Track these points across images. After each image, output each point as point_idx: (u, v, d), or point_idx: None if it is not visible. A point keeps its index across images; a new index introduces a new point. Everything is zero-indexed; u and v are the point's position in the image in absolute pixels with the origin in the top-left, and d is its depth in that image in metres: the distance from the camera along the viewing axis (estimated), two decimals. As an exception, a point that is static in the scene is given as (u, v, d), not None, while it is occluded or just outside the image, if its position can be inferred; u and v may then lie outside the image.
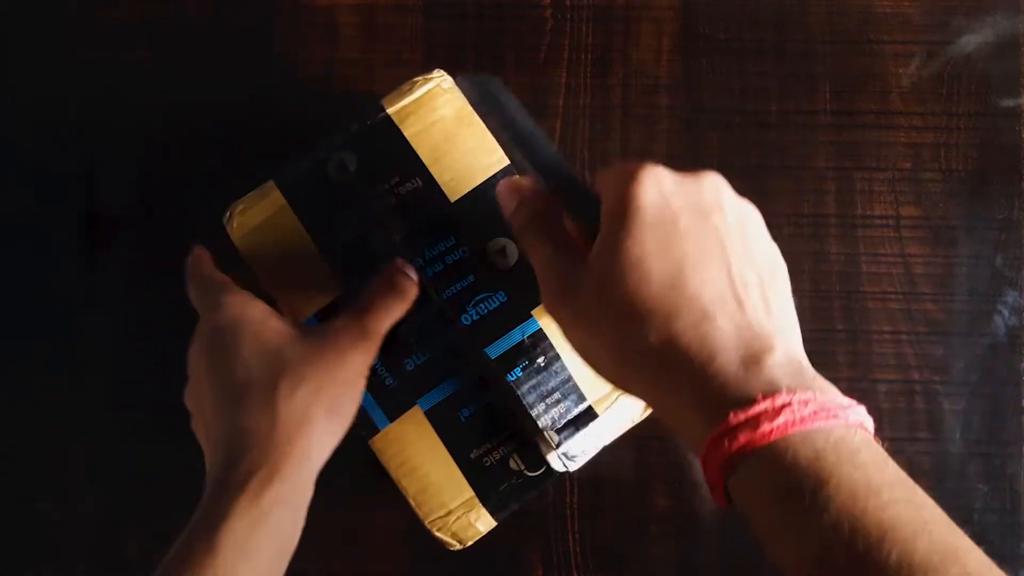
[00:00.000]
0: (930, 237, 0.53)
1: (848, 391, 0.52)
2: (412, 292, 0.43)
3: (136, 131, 0.54)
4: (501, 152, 0.45)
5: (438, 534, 0.45)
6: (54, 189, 0.54)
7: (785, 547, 0.30)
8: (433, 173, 0.44)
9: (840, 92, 0.54)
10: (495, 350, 0.43)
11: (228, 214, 0.45)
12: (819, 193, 0.53)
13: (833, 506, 0.28)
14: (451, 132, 0.45)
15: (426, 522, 0.45)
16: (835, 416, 0.31)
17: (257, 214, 0.45)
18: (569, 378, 0.44)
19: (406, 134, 0.44)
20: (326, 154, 0.45)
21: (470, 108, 0.45)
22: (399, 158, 0.44)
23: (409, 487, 0.44)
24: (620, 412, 0.44)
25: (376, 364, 0.43)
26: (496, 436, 0.44)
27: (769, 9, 0.54)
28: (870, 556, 0.28)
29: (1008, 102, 0.53)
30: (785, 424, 0.30)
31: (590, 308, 0.34)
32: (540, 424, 0.43)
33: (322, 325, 0.42)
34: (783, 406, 0.30)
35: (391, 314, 0.42)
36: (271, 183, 0.45)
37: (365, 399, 0.43)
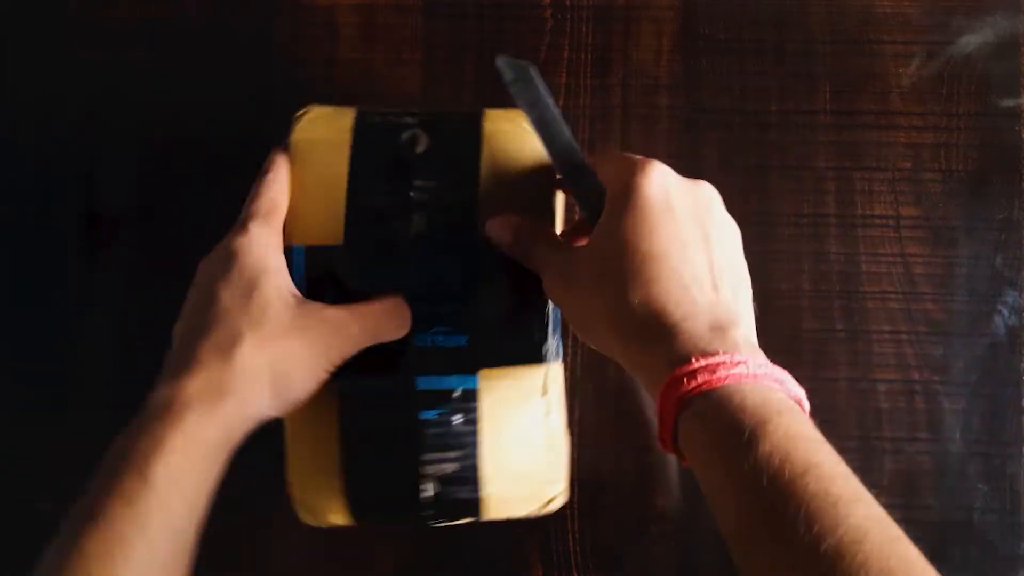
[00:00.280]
0: (930, 237, 0.53)
1: (848, 391, 0.53)
2: (403, 331, 0.43)
3: (136, 131, 0.54)
4: (552, 213, 0.45)
5: (297, 506, 0.44)
6: (54, 189, 0.54)
7: (720, 482, 0.33)
8: (479, 193, 0.43)
9: (840, 92, 0.54)
10: (425, 383, 0.43)
11: (302, 112, 0.45)
12: (819, 193, 0.53)
13: (769, 441, 0.31)
14: (520, 169, 0.44)
15: (290, 490, 0.44)
16: (780, 383, 0.35)
17: (321, 130, 0.44)
18: (474, 461, 0.43)
19: (482, 148, 0.44)
20: (410, 116, 0.44)
21: (548, 165, 0.44)
22: (460, 164, 0.44)
23: (291, 452, 0.44)
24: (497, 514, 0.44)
25: None
26: (387, 451, 0.43)
27: (769, 9, 0.54)
28: (793, 484, 0.30)
29: (1008, 102, 0.53)
30: (739, 376, 0.34)
31: (588, 279, 0.38)
32: (422, 470, 0.42)
33: (318, 306, 0.42)
34: (739, 362, 0.34)
35: (379, 335, 0.42)
36: (353, 111, 0.45)
37: None
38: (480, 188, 0.43)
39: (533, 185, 0.44)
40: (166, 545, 0.36)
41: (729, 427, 0.32)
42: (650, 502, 0.52)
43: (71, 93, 0.54)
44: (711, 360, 0.34)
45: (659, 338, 0.36)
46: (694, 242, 0.38)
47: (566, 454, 0.45)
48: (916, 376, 0.53)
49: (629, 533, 0.52)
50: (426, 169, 0.43)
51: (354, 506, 0.43)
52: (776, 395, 0.34)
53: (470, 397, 0.43)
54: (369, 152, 0.44)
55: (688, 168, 0.53)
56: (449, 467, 0.43)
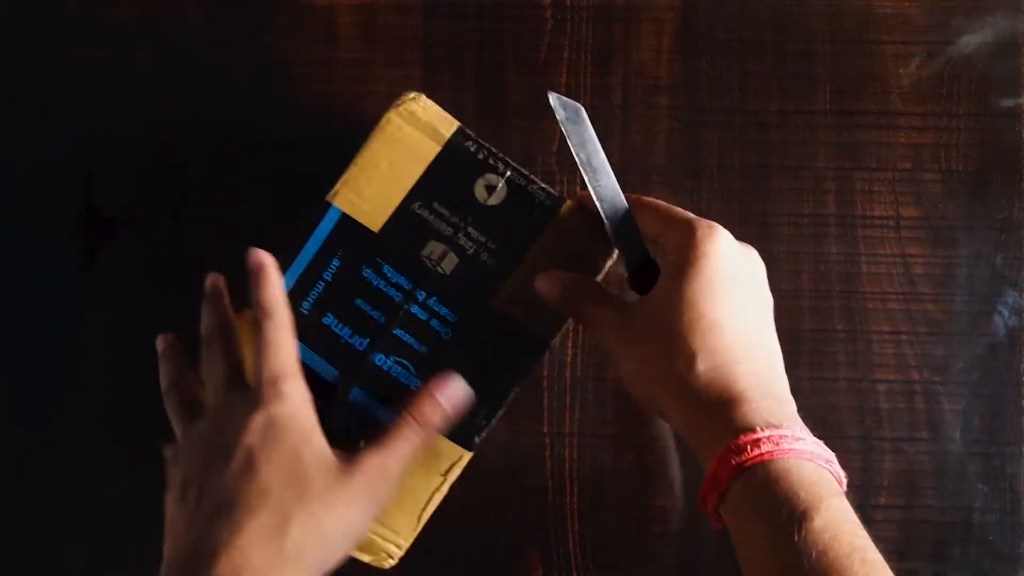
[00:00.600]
0: (930, 237, 0.53)
1: (848, 391, 0.53)
2: (430, 440, 0.42)
3: (136, 131, 0.54)
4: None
5: None
6: (54, 189, 0.54)
7: (764, 549, 0.35)
8: (514, 273, 0.44)
9: (840, 92, 0.54)
10: (357, 396, 0.44)
11: (412, 96, 0.45)
12: (819, 193, 0.53)
13: (822, 519, 0.34)
14: (567, 263, 0.44)
15: None
16: (829, 463, 0.37)
17: (419, 123, 0.44)
18: None
19: (541, 238, 0.44)
20: (503, 166, 0.44)
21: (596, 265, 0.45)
22: (513, 241, 0.44)
23: None
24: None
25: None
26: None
27: (769, 9, 0.54)
28: (839, 563, 0.33)
29: (1008, 102, 0.53)
30: (799, 451, 0.36)
31: (649, 339, 0.40)
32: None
33: (355, 460, 0.40)
34: (800, 437, 0.36)
35: (408, 454, 0.41)
36: (456, 124, 0.44)
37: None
38: (517, 270, 0.44)
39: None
40: None
41: (784, 499, 0.35)
42: (650, 502, 0.52)
43: (71, 93, 0.54)
44: (775, 432, 0.36)
45: (723, 406, 0.38)
46: (754, 311, 0.40)
47: (417, 531, 0.45)
48: (916, 376, 0.53)
49: (629, 533, 0.52)
50: (485, 222, 0.44)
51: None
52: (827, 475, 0.36)
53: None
54: (448, 172, 0.44)
55: (688, 168, 0.54)
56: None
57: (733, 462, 0.36)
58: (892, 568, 0.37)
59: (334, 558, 0.39)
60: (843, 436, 0.52)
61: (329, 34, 0.54)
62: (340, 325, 0.44)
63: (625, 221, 0.43)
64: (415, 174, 0.44)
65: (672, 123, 0.54)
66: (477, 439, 0.45)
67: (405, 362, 0.44)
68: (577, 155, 0.43)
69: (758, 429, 0.36)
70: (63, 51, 0.54)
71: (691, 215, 0.41)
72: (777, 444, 0.36)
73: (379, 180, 0.44)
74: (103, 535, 0.52)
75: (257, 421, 0.38)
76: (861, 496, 0.52)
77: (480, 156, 0.44)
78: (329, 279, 0.44)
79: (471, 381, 0.43)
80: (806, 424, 0.39)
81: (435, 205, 0.44)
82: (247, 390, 0.41)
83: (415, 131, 0.44)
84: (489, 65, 0.54)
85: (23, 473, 0.53)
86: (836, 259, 0.53)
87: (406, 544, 0.45)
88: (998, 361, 0.53)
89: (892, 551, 0.51)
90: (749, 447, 0.36)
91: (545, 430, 0.53)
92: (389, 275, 0.44)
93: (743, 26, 0.54)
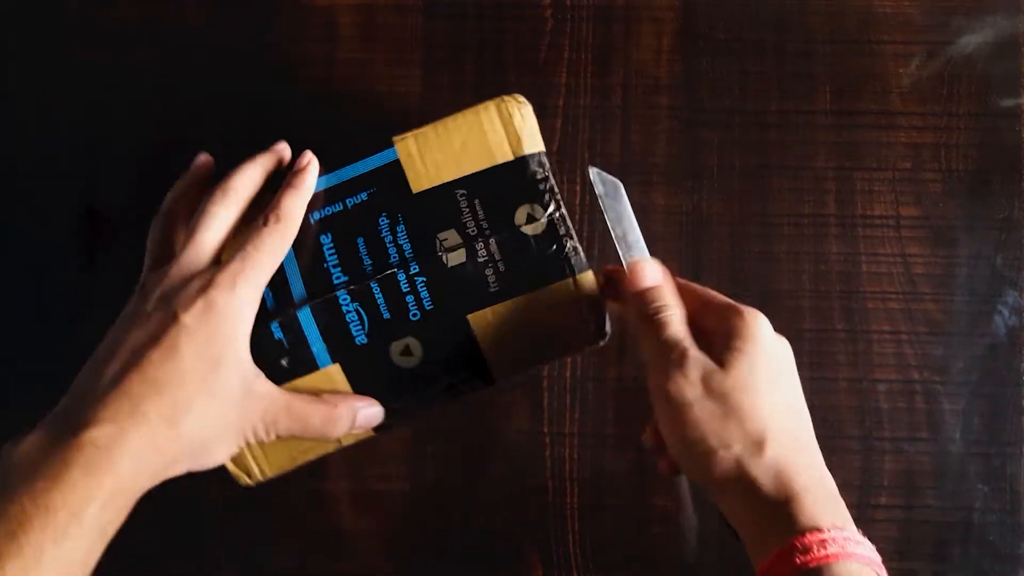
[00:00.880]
0: (930, 237, 0.53)
1: (848, 391, 0.53)
2: (334, 435, 0.43)
3: (136, 131, 0.54)
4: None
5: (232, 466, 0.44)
6: (54, 189, 0.54)
7: None
8: (505, 303, 0.44)
9: (840, 92, 0.54)
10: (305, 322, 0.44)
11: (519, 98, 0.44)
12: (819, 193, 0.53)
13: None
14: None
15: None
16: (880, 568, 0.37)
17: (510, 127, 0.44)
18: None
19: (550, 286, 0.44)
20: (554, 207, 0.44)
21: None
22: (522, 269, 0.44)
23: None
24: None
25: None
26: None
27: (769, 9, 0.54)
28: None
29: (1008, 102, 0.53)
30: (860, 556, 0.36)
31: (699, 420, 0.39)
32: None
33: (266, 387, 0.42)
34: (860, 541, 0.36)
35: (307, 433, 0.43)
36: (541, 149, 0.44)
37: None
38: (508, 302, 0.44)
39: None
40: None
41: None
42: (650, 502, 0.52)
43: (71, 93, 0.54)
44: (840, 534, 0.36)
45: (786, 500, 0.37)
46: (800, 399, 0.41)
47: (285, 469, 0.45)
48: (916, 376, 0.53)
49: (629, 533, 0.52)
50: (509, 244, 0.44)
51: None
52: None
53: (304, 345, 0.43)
54: (505, 181, 0.44)
55: (688, 168, 0.54)
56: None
57: (797, 561, 0.35)
58: (892, 568, 0.37)
59: (208, 461, 0.40)
60: (843, 436, 0.52)
61: (329, 34, 0.54)
62: (331, 251, 0.44)
63: None
64: (477, 166, 0.44)
65: (672, 123, 0.54)
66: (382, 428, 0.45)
67: (364, 316, 0.44)
68: (613, 230, 0.44)
69: (825, 529, 0.36)
70: (63, 51, 0.54)
71: (731, 301, 0.42)
72: (843, 547, 0.35)
73: (444, 151, 0.44)
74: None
75: (199, 303, 0.39)
76: (861, 496, 0.52)
77: (540, 186, 0.44)
78: (350, 206, 0.44)
79: (409, 370, 0.43)
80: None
81: (476, 202, 0.44)
82: (209, 268, 0.41)
83: (502, 131, 0.44)
84: (489, 65, 0.54)
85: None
86: (836, 259, 0.53)
87: (269, 474, 0.44)
88: (998, 361, 0.53)
89: (892, 551, 0.51)
90: (815, 547, 0.35)
91: (545, 430, 0.53)
92: (399, 235, 0.44)
93: (743, 26, 0.54)
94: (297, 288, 0.44)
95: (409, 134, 0.44)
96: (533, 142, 0.44)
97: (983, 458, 0.52)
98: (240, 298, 0.40)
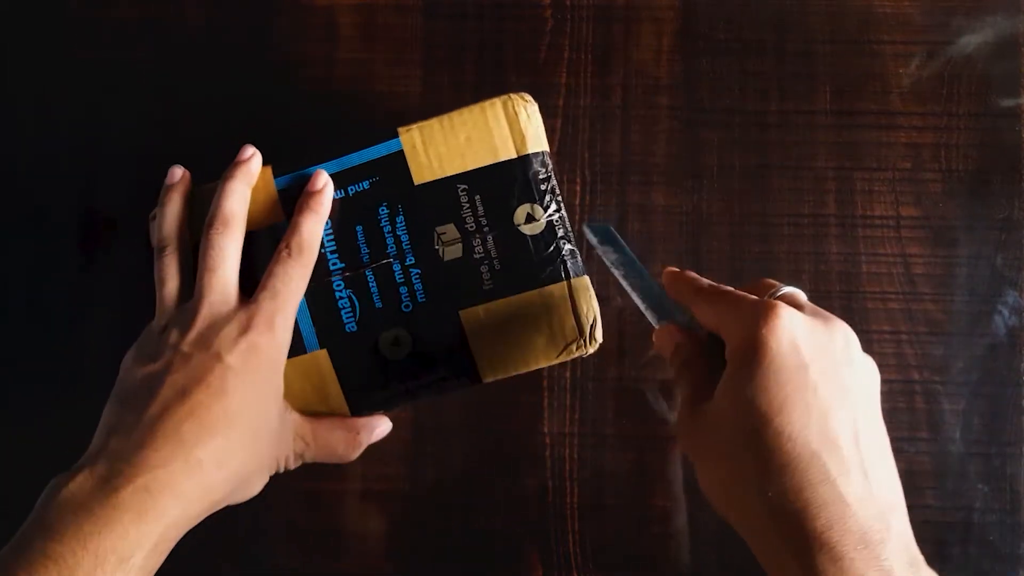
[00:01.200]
0: (930, 237, 0.53)
1: (848, 391, 0.53)
2: (350, 457, 0.45)
3: (136, 131, 0.54)
4: None
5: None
6: (54, 189, 0.54)
7: None
8: (497, 302, 0.44)
9: (840, 92, 0.54)
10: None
11: (527, 97, 0.45)
12: (819, 193, 0.53)
13: None
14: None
15: None
16: None
17: (515, 125, 0.44)
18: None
19: (544, 289, 0.44)
20: (554, 209, 0.44)
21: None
22: (518, 268, 0.44)
23: None
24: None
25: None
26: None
27: (769, 9, 0.54)
28: None
29: (1008, 102, 0.53)
30: None
31: (712, 450, 0.35)
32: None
33: (295, 418, 0.43)
34: None
35: (330, 457, 0.44)
36: (545, 149, 0.45)
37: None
38: (500, 301, 0.44)
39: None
40: None
41: None
42: (650, 502, 0.52)
43: (71, 93, 0.54)
44: None
45: (800, 548, 0.31)
46: (835, 408, 0.33)
47: None
48: (916, 376, 0.53)
49: (629, 533, 0.52)
50: (506, 242, 0.44)
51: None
52: None
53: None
54: (507, 179, 0.44)
55: (688, 168, 0.54)
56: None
57: None
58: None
59: (247, 494, 0.41)
60: (843, 436, 0.52)
61: (329, 34, 0.54)
62: (330, 237, 0.44)
63: (674, 318, 0.42)
64: (480, 162, 0.44)
65: (672, 123, 0.54)
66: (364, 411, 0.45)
67: (356, 304, 0.44)
68: (614, 271, 0.44)
69: None
70: (63, 51, 0.54)
71: (747, 295, 0.36)
72: None
73: (448, 145, 0.44)
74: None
75: (242, 344, 0.39)
76: (861, 496, 0.52)
77: (542, 186, 0.44)
78: (351, 193, 0.44)
79: (397, 362, 0.44)
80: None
81: (476, 198, 0.44)
82: (242, 306, 0.41)
83: (507, 128, 0.44)
84: (489, 65, 0.54)
85: (23, 473, 0.53)
86: (836, 259, 0.53)
87: None
88: (998, 361, 0.53)
89: (892, 551, 0.51)
90: None
91: (545, 430, 0.53)
92: (398, 225, 0.44)
93: (743, 26, 0.54)
94: None
95: (414, 125, 0.44)
96: (537, 142, 0.44)
97: (983, 458, 0.52)
98: (279, 338, 0.41)
